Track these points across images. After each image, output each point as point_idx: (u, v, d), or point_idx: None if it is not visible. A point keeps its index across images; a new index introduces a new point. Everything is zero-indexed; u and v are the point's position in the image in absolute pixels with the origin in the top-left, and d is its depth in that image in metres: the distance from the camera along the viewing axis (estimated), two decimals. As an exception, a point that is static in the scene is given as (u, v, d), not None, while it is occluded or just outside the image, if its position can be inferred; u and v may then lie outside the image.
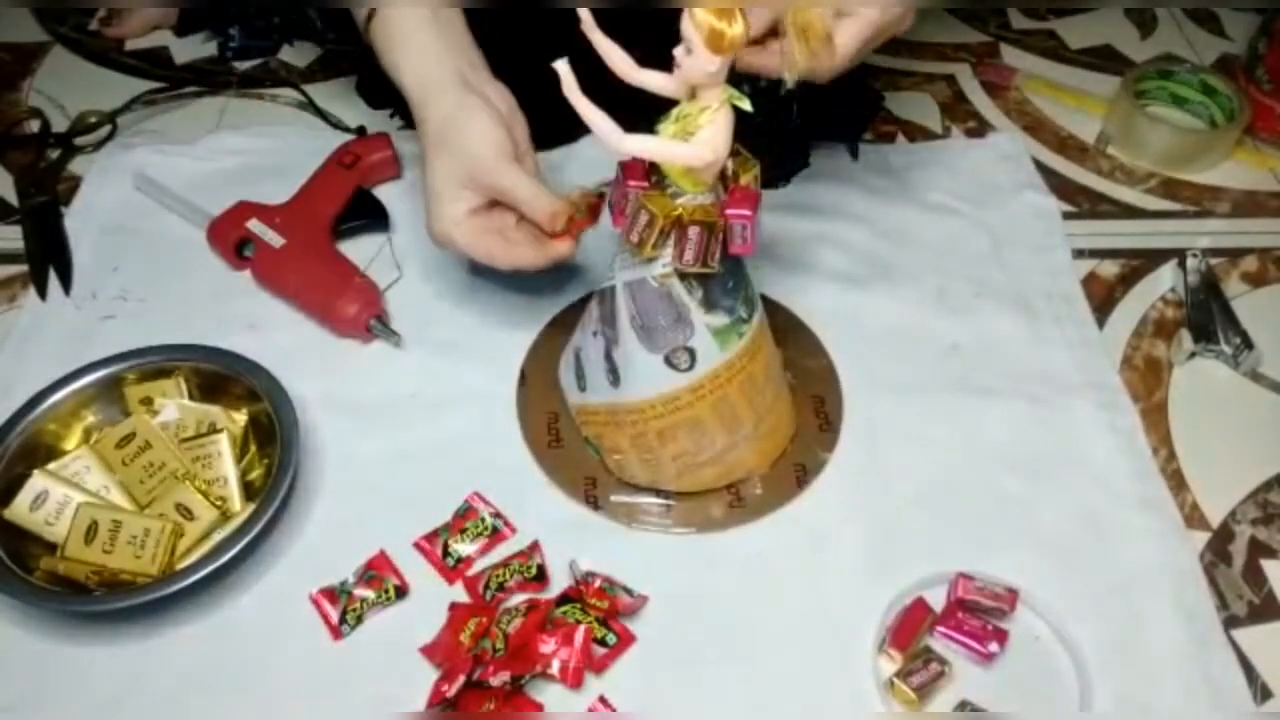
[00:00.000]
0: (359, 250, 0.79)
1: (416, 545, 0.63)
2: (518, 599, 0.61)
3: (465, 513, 0.64)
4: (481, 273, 0.78)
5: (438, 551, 0.63)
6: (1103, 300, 0.80)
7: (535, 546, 0.63)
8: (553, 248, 0.66)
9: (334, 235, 0.79)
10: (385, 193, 0.84)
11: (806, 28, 0.50)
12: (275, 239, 0.77)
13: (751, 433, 0.64)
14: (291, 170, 0.84)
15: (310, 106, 0.94)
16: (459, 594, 0.61)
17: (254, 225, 0.78)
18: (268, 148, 0.88)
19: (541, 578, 0.61)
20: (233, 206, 0.79)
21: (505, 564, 0.61)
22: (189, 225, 0.82)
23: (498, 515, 0.64)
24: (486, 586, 0.61)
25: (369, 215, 0.82)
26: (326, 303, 0.74)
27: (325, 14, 0.94)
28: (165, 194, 0.83)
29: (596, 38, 0.52)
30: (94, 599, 0.59)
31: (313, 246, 0.77)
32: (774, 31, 0.64)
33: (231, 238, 0.78)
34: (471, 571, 0.62)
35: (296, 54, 1.01)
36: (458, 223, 0.66)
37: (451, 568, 0.62)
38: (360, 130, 0.90)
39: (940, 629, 0.60)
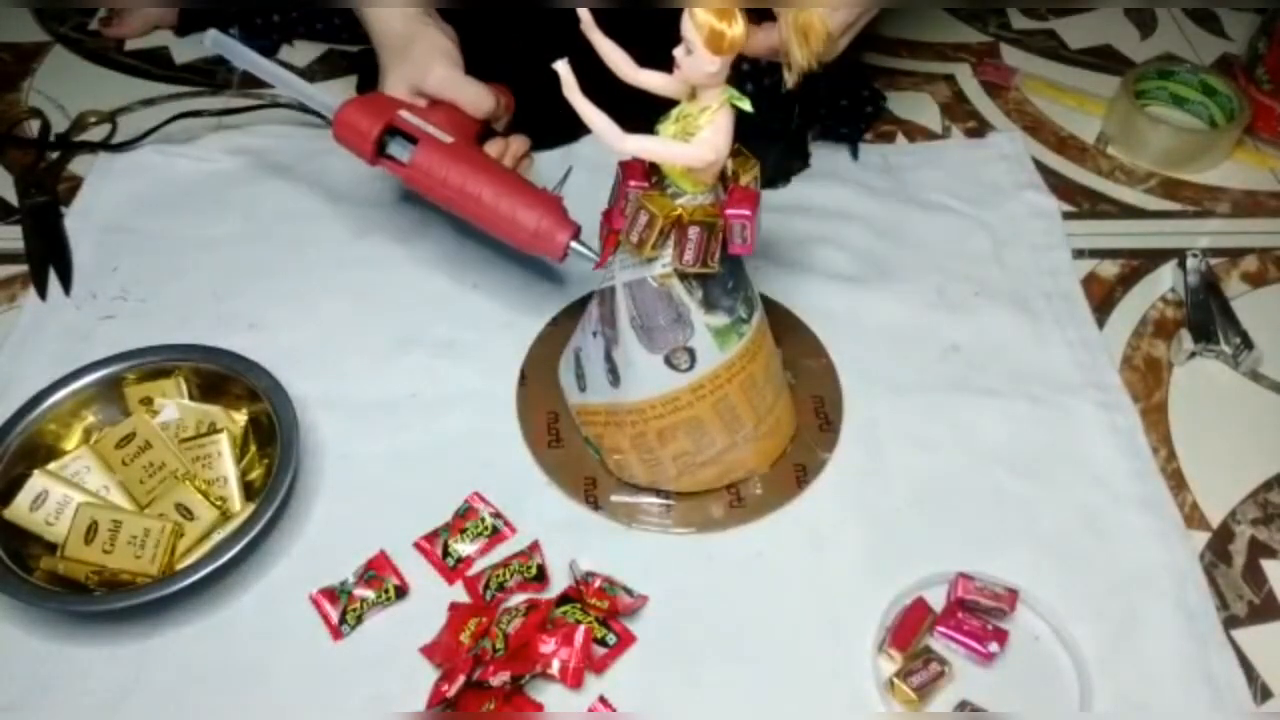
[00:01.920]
0: None
1: (416, 545, 0.63)
2: (518, 599, 0.61)
3: (465, 513, 0.64)
4: (479, 275, 0.78)
5: (438, 551, 0.63)
6: (1103, 300, 0.80)
7: (535, 546, 0.63)
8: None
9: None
10: None
11: (807, 28, 0.50)
12: (441, 134, 0.67)
13: (751, 433, 0.64)
14: (292, 170, 0.85)
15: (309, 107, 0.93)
16: (459, 594, 0.61)
17: (408, 116, 0.67)
18: (268, 148, 0.88)
19: (541, 578, 0.61)
20: (368, 94, 0.71)
21: (505, 564, 0.61)
22: (197, 215, 0.81)
23: (498, 515, 0.64)
24: (486, 586, 0.61)
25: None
26: (517, 211, 0.64)
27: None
28: (269, 73, 0.74)
29: (596, 38, 0.52)
30: (94, 599, 0.59)
31: (481, 153, 0.68)
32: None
33: (377, 126, 0.67)
34: (471, 571, 0.62)
35: (296, 54, 1.01)
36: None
37: (451, 568, 0.62)
38: None
39: (940, 629, 0.60)
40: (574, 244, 0.66)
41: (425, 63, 0.71)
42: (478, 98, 0.71)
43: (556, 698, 0.57)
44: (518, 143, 0.76)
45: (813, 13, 0.50)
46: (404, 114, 0.67)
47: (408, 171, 0.67)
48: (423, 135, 0.66)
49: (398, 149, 0.68)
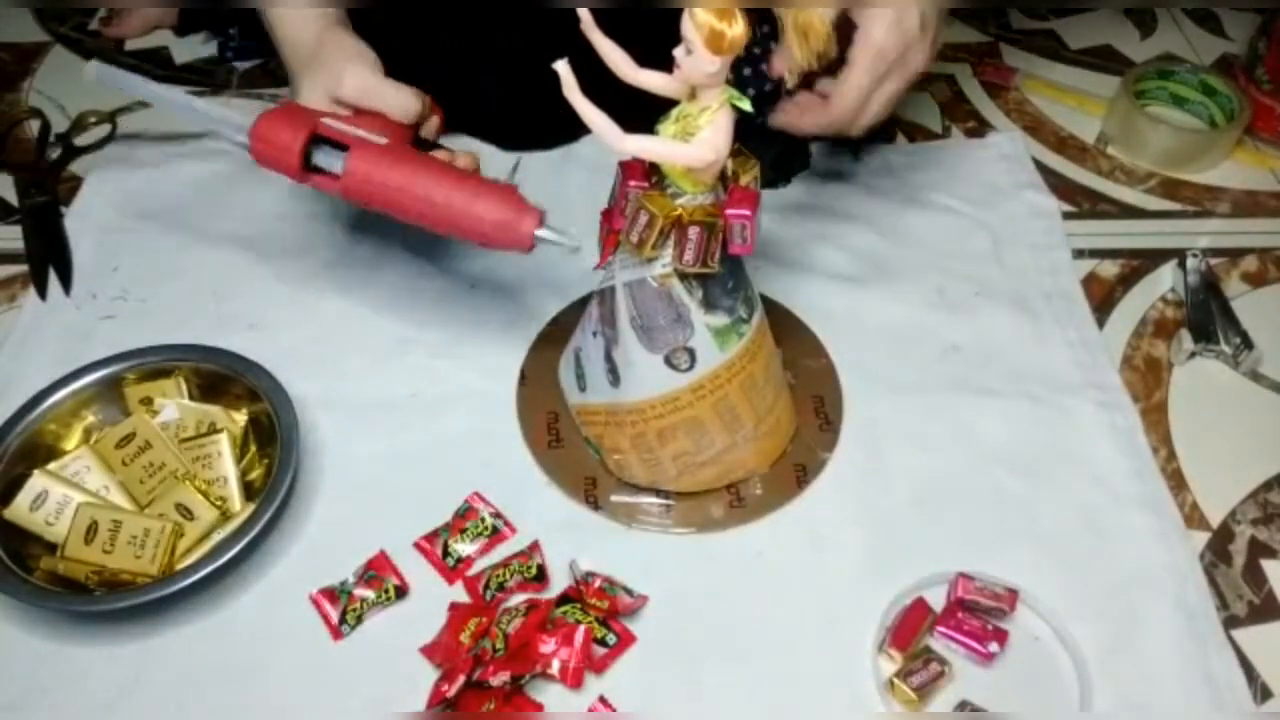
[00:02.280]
0: None
1: (416, 545, 0.63)
2: (518, 599, 0.61)
3: (465, 513, 0.64)
4: (479, 275, 0.78)
5: (438, 552, 0.63)
6: (1103, 300, 0.80)
7: (535, 546, 0.63)
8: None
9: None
10: None
11: (807, 29, 0.50)
12: (374, 136, 0.59)
13: (751, 433, 0.64)
14: (291, 170, 0.85)
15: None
16: (459, 594, 0.61)
17: (333, 122, 0.60)
18: (268, 148, 0.89)
19: (541, 578, 0.61)
20: (282, 104, 0.63)
21: (505, 564, 0.61)
22: (184, 215, 0.80)
23: (498, 515, 0.64)
24: (486, 586, 0.61)
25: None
26: (473, 205, 0.58)
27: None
28: (140, 89, 0.67)
29: (596, 38, 0.52)
30: (94, 599, 0.59)
31: (416, 151, 0.62)
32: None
33: (299, 138, 0.58)
34: (471, 571, 0.62)
35: (296, 54, 1.01)
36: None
37: (451, 568, 0.62)
38: None
39: (940, 629, 0.60)
40: (541, 231, 0.59)
41: (339, 67, 0.64)
42: (402, 100, 0.64)
43: (556, 698, 0.57)
44: (465, 159, 0.67)
45: (813, 13, 0.50)
46: (328, 120, 0.59)
47: (344, 183, 0.58)
48: (354, 140, 0.58)
49: (327, 159, 0.59)
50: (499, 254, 0.78)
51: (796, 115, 0.70)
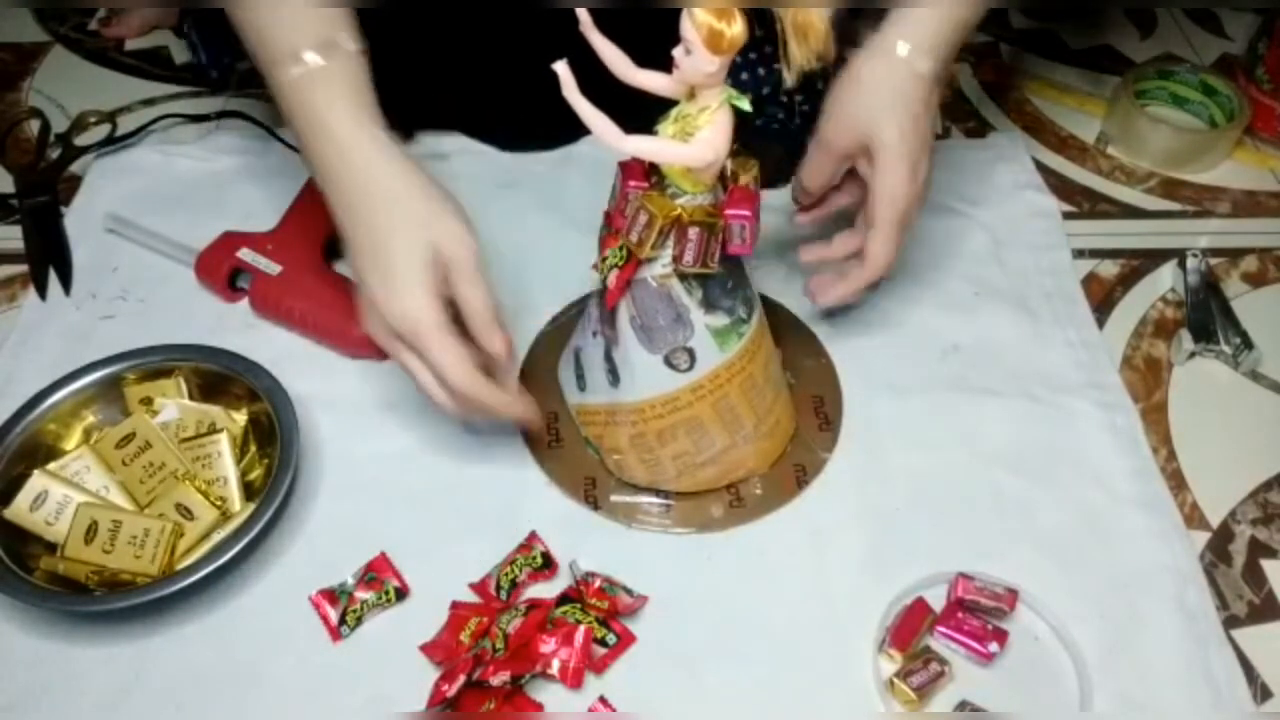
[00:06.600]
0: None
1: (473, 587, 0.62)
2: (532, 590, 0.61)
3: (519, 548, 0.63)
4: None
5: (491, 589, 0.61)
6: (1103, 300, 0.80)
7: (534, 537, 0.63)
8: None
9: (327, 257, 0.77)
10: None
11: (806, 28, 0.50)
12: (271, 266, 0.75)
13: (751, 433, 0.64)
14: (289, 170, 0.85)
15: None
16: (459, 595, 0.61)
17: (245, 254, 0.75)
18: (266, 147, 0.88)
19: (549, 564, 0.62)
20: (218, 238, 0.77)
21: (510, 561, 0.61)
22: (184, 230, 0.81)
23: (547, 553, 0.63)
24: (499, 587, 0.61)
25: None
26: (337, 326, 0.72)
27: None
28: (140, 231, 0.81)
29: (595, 38, 0.52)
30: (94, 599, 0.59)
31: (311, 270, 0.75)
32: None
33: (223, 270, 0.75)
34: (477, 579, 0.62)
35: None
36: (433, 307, 0.55)
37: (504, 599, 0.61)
38: None
39: (940, 629, 0.60)
40: None
41: (456, 245, 0.56)
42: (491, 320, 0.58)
43: (556, 698, 0.57)
44: (499, 342, 0.59)
45: (812, 12, 0.50)
46: (242, 253, 0.76)
47: (250, 300, 0.75)
48: (255, 271, 0.75)
49: (244, 281, 0.76)
50: (498, 254, 0.78)
51: (843, 289, 0.69)
